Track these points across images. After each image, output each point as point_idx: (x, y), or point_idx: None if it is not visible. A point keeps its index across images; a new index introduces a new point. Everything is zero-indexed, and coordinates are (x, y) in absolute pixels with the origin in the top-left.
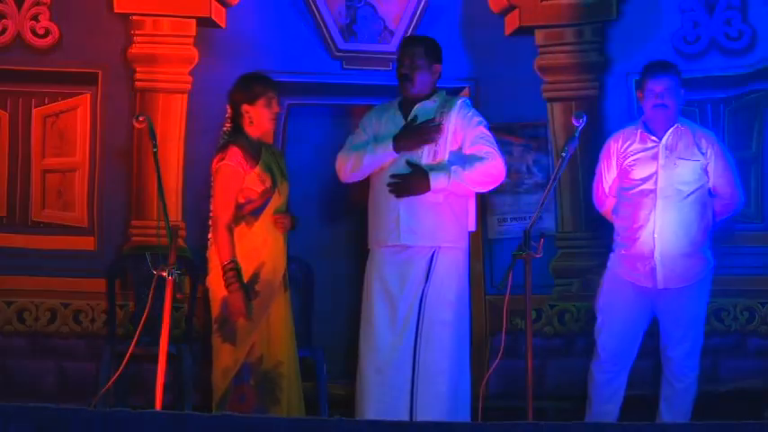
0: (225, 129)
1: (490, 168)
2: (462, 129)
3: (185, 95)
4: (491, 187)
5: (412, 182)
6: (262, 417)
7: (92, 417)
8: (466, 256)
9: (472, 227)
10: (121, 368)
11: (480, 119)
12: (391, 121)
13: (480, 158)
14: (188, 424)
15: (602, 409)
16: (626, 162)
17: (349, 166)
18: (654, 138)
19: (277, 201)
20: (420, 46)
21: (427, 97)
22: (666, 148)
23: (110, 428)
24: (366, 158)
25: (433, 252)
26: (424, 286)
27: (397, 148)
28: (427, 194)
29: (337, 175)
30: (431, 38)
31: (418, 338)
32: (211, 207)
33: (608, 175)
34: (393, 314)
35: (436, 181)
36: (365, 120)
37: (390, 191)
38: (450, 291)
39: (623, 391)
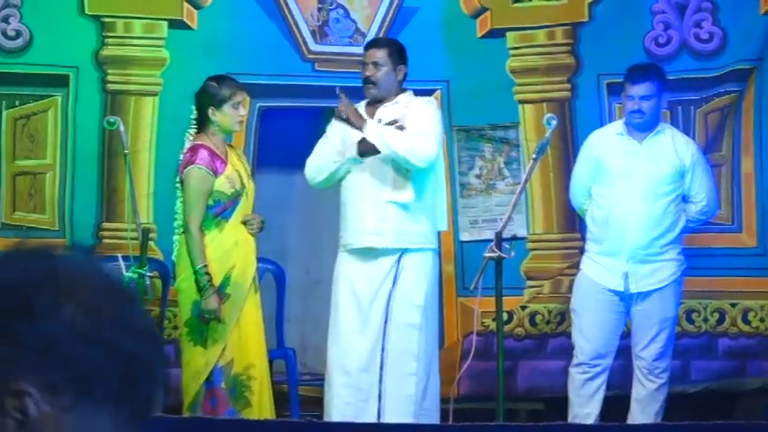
0: (191, 131)
1: (417, 143)
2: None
3: (156, 97)
4: (415, 163)
5: (354, 113)
6: (233, 419)
7: None
8: (436, 257)
9: (443, 226)
10: None
11: (431, 106)
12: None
13: (413, 132)
14: (159, 427)
15: (582, 411)
16: (603, 163)
17: (317, 173)
18: (633, 140)
19: (246, 203)
20: (383, 48)
21: (392, 99)
22: (645, 152)
23: None
24: (332, 165)
25: (401, 254)
26: (392, 289)
27: (361, 153)
28: (393, 195)
29: (306, 177)
30: (394, 39)
31: (385, 341)
32: (181, 210)
33: (585, 175)
34: (361, 317)
35: (370, 128)
36: (332, 124)
37: (336, 114)
38: (418, 293)
39: (603, 392)
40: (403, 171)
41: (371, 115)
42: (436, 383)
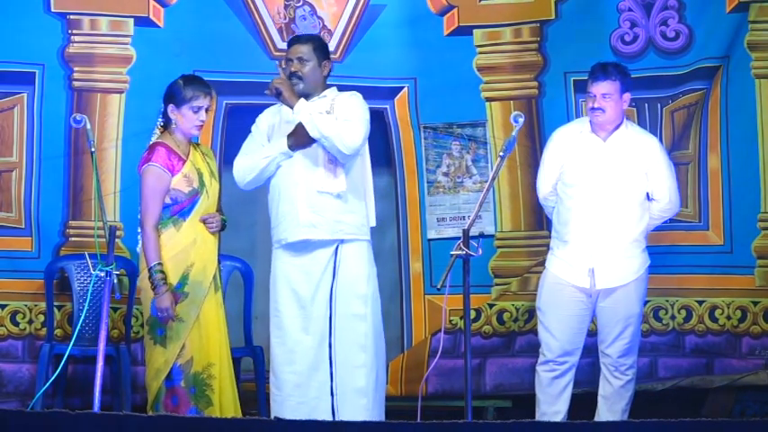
0: (158, 124)
1: (345, 130)
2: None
3: (123, 95)
4: (341, 149)
5: (288, 89)
6: (198, 417)
7: (29, 418)
8: (370, 249)
9: (372, 221)
10: (59, 369)
11: (358, 98)
12: (285, 120)
13: (342, 119)
14: (126, 425)
15: (550, 409)
16: (567, 160)
17: (247, 172)
18: (597, 138)
19: (206, 201)
20: (307, 43)
21: (318, 94)
22: (608, 150)
23: (47, 430)
24: (262, 161)
25: (337, 246)
26: (332, 282)
27: (291, 146)
28: (325, 185)
29: (236, 179)
30: (317, 35)
31: (332, 336)
32: (140, 209)
33: (551, 172)
34: (303, 315)
35: (301, 107)
36: (258, 123)
37: (269, 88)
38: (360, 283)
39: (571, 390)
40: (333, 162)
41: None
42: (384, 374)
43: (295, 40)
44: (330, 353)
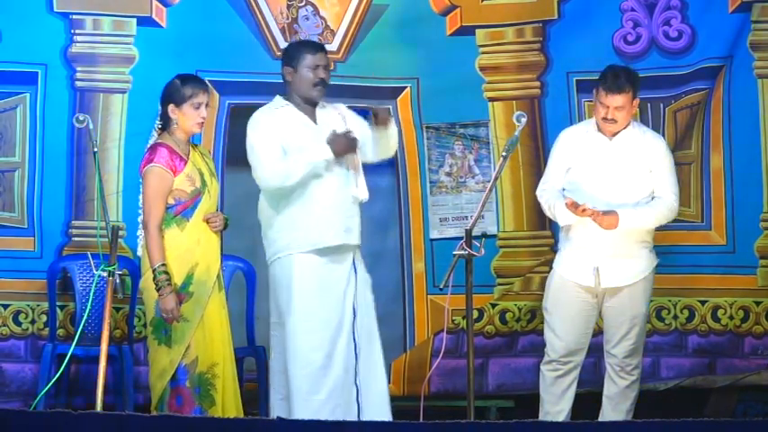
0: (156, 126)
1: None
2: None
3: (125, 95)
4: (392, 153)
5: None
6: (200, 417)
7: (32, 418)
8: None
9: None
10: (62, 369)
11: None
12: (301, 126)
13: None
14: (129, 425)
15: (553, 409)
16: (575, 160)
17: (288, 177)
18: (604, 137)
19: (208, 201)
20: (326, 53)
21: (317, 103)
22: (615, 148)
23: (50, 430)
24: (306, 166)
25: (353, 250)
26: (355, 283)
27: (336, 153)
28: (358, 192)
29: (267, 182)
30: None
31: (356, 335)
32: (142, 209)
33: (556, 173)
34: (339, 316)
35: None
36: (267, 125)
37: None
38: (370, 282)
39: (574, 390)
40: (360, 171)
41: (311, 116)
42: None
43: (319, 48)
44: (356, 352)
